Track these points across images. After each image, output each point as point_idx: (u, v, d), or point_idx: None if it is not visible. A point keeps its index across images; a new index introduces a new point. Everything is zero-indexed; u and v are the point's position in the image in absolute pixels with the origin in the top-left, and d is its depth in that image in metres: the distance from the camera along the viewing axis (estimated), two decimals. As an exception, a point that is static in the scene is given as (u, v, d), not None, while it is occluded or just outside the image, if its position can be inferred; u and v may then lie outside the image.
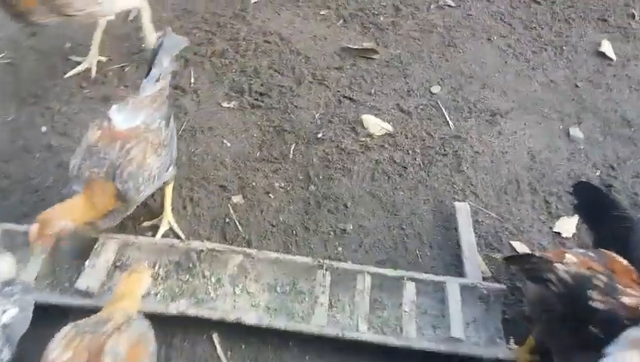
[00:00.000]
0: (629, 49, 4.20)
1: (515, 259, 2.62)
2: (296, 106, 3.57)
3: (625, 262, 2.25)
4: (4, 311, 2.03)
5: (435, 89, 3.79)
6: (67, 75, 3.60)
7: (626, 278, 2.17)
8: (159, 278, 2.63)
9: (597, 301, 2.09)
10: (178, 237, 2.82)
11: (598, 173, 3.38)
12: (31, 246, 2.34)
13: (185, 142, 3.28)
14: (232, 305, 2.54)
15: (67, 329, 1.93)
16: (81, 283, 2.50)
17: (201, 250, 2.67)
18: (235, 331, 2.49)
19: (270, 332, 2.48)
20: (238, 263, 2.64)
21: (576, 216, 3.07)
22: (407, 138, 3.47)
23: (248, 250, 2.70)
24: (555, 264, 2.23)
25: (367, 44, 4.02)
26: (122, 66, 3.72)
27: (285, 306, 2.58)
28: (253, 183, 3.14)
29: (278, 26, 4.09)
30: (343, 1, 4.38)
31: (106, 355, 1.84)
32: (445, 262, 2.91)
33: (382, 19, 4.27)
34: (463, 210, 3.05)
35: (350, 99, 3.66)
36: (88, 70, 3.66)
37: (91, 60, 3.65)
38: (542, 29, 4.36)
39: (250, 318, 2.47)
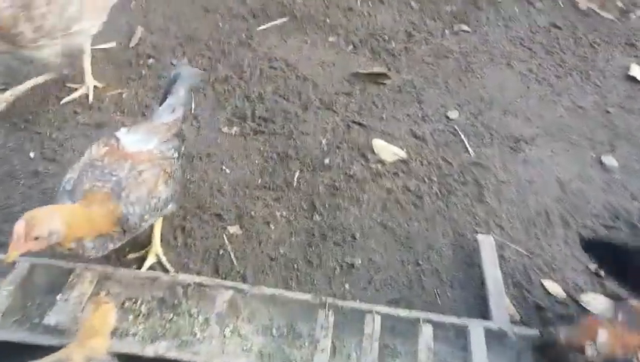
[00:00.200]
0: (662, 73, 3.91)
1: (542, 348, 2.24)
2: (301, 132, 3.31)
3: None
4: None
5: (453, 114, 3.52)
6: (63, 101, 3.41)
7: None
8: (140, 316, 2.32)
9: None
10: (166, 271, 2.52)
11: (637, 204, 3.02)
12: (9, 250, 1.98)
13: (181, 168, 3.01)
14: (219, 349, 2.20)
15: None
16: (51, 319, 2.20)
17: (188, 284, 2.36)
18: (222, 379, 2.14)
19: (263, 381, 2.14)
20: (228, 300, 2.31)
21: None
22: (422, 165, 3.17)
23: (241, 285, 2.38)
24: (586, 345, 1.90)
25: (378, 69, 3.78)
26: (120, 93, 3.52)
27: (281, 352, 2.23)
28: (253, 212, 2.85)
29: (285, 53, 3.89)
30: (353, 27, 4.19)
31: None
32: (468, 303, 2.55)
33: (393, 44, 4.05)
34: (487, 244, 2.71)
35: (360, 124, 3.39)
36: (85, 96, 3.47)
37: (88, 86, 3.47)
38: (564, 53, 4.10)
39: (241, 365, 2.14)
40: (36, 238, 1.99)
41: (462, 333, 2.31)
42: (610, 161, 3.29)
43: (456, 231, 2.85)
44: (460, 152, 3.27)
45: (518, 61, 4.01)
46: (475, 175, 3.13)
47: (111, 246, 2.27)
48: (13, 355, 2.06)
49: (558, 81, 3.87)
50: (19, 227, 1.97)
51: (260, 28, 4.11)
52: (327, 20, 4.24)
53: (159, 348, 2.16)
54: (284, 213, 2.86)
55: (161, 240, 2.62)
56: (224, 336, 2.27)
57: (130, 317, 2.30)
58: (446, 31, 4.25)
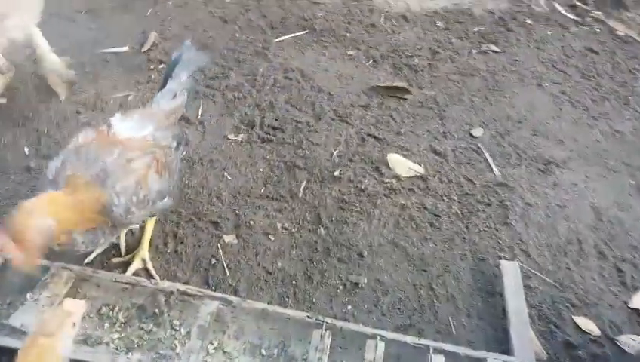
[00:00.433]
0: None
1: None
2: (312, 142, 3.09)
3: None
4: None
5: (477, 132, 3.26)
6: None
7: None
8: (117, 324, 2.07)
9: None
10: (151, 278, 2.28)
11: (683, 237, 2.69)
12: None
13: (180, 159, 2.79)
14: (199, 368, 1.93)
15: None
16: (16, 319, 1.96)
17: (171, 293, 2.11)
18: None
19: (245, 408, 1.85)
20: (213, 312, 2.05)
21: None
22: (441, 182, 2.90)
23: (229, 297, 2.12)
24: None
25: (398, 84, 3.57)
26: (126, 95, 3.37)
27: (269, 374, 1.95)
28: (252, 222, 2.61)
29: (301, 64, 3.72)
30: (374, 43, 4.00)
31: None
32: (487, 334, 2.24)
33: (416, 61, 3.84)
34: (511, 271, 2.40)
35: (375, 137, 3.15)
36: (94, 95, 3.33)
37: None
38: (602, 78, 3.82)
39: (221, 386, 1.86)
40: (32, 245, 1.76)
41: (479, 368, 1.99)
42: (651, 189, 2.97)
43: (477, 255, 2.55)
44: (484, 171, 2.99)
45: (550, 83, 3.75)
46: (499, 196, 2.85)
47: (101, 241, 2.05)
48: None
49: (593, 104, 3.58)
50: (4, 243, 1.74)
51: (278, 40, 3.96)
52: (348, 35, 4.07)
53: (131, 359, 1.90)
54: (286, 225, 2.61)
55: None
56: (207, 352, 1.99)
57: (106, 324, 2.06)
58: (473, 50, 4.03)
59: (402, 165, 2.96)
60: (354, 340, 2.02)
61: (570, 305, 2.38)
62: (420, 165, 2.99)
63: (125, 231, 2.45)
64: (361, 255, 2.49)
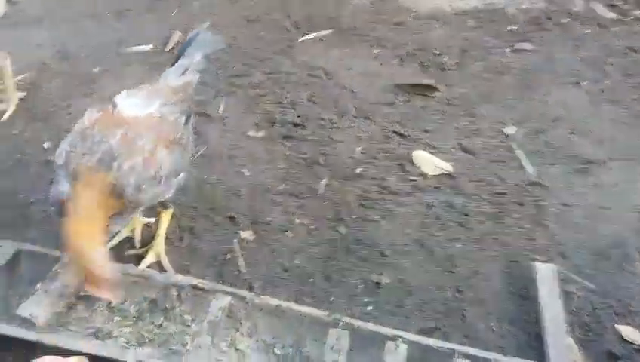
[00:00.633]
0: None
1: None
2: (334, 139, 2.98)
3: None
4: None
5: (510, 130, 3.09)
6: None
7: None
8: (128, 318, 1.98)
9: None
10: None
11: None
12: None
13: (198, 168, 2.72)
14: (209, 365, 1.82)
15: None
16: (25, 310, 1.89)
17: (183, 287, 2.01)
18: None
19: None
20: (225, 307, 1.94)
21: None
22: (470, 181, 2.74)
23: (242, 292, 2.01)
24: None
25: (426, 81, 3.43)
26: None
27: (282, 375, 1.83)
28: (270, 218, 2.50)
29: (325, 62, 3.62)
30: (401, 41, 3.88)
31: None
32: (519, 341, 2.07)
33: (445, 59, 3.70)
34: (547, 275, 2.23)
35: (400, 135, 3.02)
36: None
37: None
38: (644, 78, 3.60)
39: (231, 386, 1.74)
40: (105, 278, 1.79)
41: (509, 375, 1.82)
42: (701, 191, 2.74)
43: (509, 257, 2.37)
44: (517, 170, 2.82)
45: (588, 81, 3.54)
46: (533, 196, 2.67)
47: (126, 219, 2.04)
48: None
49: (635, 103, 3.37)
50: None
51: (302, 39, 3.88)
52: (375, 34, 3.96)
53: (140, 355, 1.80)
54: (305, 222, 2.49)
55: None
56: (219, 349, 1.88)
57: (117, 318, 1.98)
58: (506, 49, 3.86)
59: (429, 163, 2.82)
60: (373, 341, 1.88)
61: (612, 312, 2.19)
62: (449, 163, 2.84)
63: (141, 224, 2.39)
64: (382, 254, 2.35)
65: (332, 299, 2.17)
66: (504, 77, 3.57)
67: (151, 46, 3.72)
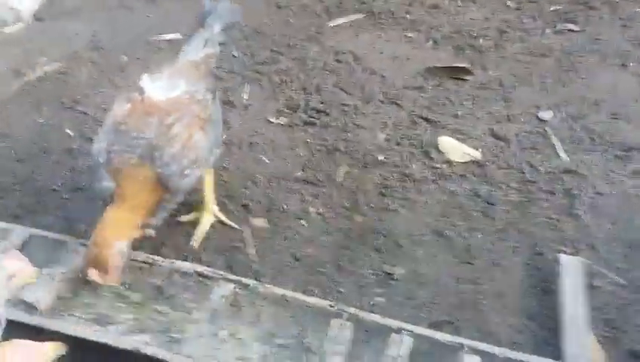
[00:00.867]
0: None
1: None
2: (357, 125, 2.89)
3: None
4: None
5: (546, 115, 2.90)
6: None
7: None
8: (132, 304, 1.99)
9: None
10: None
11: None
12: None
13: (219, 108, 2.68)
14: (209, 353, 1.80)
15: None
16: (30, 295, 1.93)
17: (188, 274, 2.00)
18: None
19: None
20: (228, 296, 1.92)
21: None
22: (499, 169, 2.60)
23: (246, 281, 1.97)
24: None
25: (459, 64, 3.28)
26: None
27: (283, 366, 1.78)
28: (285, 206, 2.46)
29: (354, 47, 3.52)
30: (436, 24, 3.72)
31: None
32: (536, 337, 1.94)
33: (481, 41, 3.52)
34: (571, 268, 2.08)
35: (427, 120, 2.90)
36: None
37: None
38: (700, 57, 3.31)
39: (229, 376, 1.72)
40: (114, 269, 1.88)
41: (522, 374, 1.71)
42: None
43: (533, 249, 2.23)
44: (551, 157, 2.65)
45: (636, 62, 3.29)
46: (566, 184, 2.50)
47: (170, 206, 2.08)
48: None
49: (688, 85, 3.10)
50: (92, 275, 1.89)
51: (332, 23, 3.79)
52: (408, 17, 3.82)
53: (135, 342, 1.81)
54: (321, 210, 2.44)
55: (177, 226, 2.31)
56: (220, 339, 1.86)
57: (121, 304, 1.99)
58: (547, 30, 3.64)
59: (456, 149, 2.69)
60: (377, 333, 1.81)
61: (643, 309, 2.02)
62: (478, 150, 2.70)
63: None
64: (398, 244, 2.27)
65: (341, 289, 2.11)
66: (544, 59, 3.36)
67: (179, 34, 3.73)
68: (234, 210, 2.44)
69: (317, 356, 1.79)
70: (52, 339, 1.78)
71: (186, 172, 1.97)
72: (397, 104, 3.03)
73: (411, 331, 1.79)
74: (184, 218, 2.35)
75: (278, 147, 2.80)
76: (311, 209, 2.44)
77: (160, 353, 1.76)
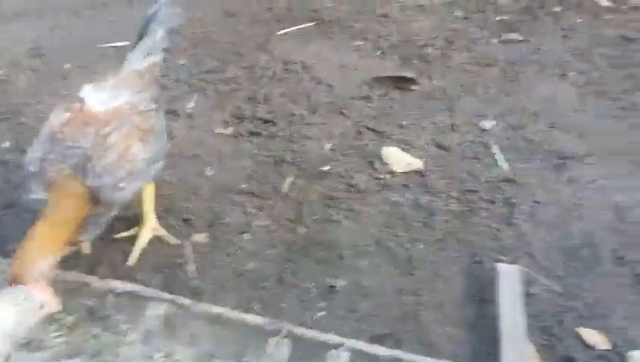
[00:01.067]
0: None
1: None
2: (304, 136, 2.89)
3: None
4: None
5: (487, 124, 2.96)
6: None
7: None
8: (65, 327, 1.92)
9: None
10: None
11: None
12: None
13: (163, 119, 2.63)
14: (142, 376, 1.75)
15: None
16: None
17: (120, 293, 1.95)
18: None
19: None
20: (161, 315, 1.87)
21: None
22: (441, 178, 2.63)
23: (180, 299, 1.94)
24: None
25: (405, 74, 3.31)
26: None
27: (220, 387, 1.75)
28: (228, 219, 2.43)
29: (303, 56, 3.52)
30: (384, 33, 3.76)
31: None
32: (475, 348, 1.97)
33: (429, 50, 3.57)
34: (508, 276, 2.12)
35: (373, 130, 2.92)
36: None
37: None
38: (636, 67, 3.43)
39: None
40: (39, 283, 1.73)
41: (460, 386, 1.73)
42: (686, 187, 2.59)
43: (473, 258, 2.27)
44: (491, 167, 2.70)
45: (575, 72, 3.39)
46: (505, 193, 2.55)
47: (105, 223, 1.99)
48: None
49: (624, 95, 3.21)
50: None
51: (281, 32, 3.78)
52: (357, 25, 3.85)
53: (64, 366, 1.75)
54: (265, 223, 2.41)
55: (112, 243, 2.25)
56: (155, 361, 1.82)
57: (52, 327, 1.91)
58: (493, 39, 3.72)
59: (399, 159, 2.72)
60: (315, 350, 1.80)
61: (577, 315, 2.07)
62: (420, 159, 2.73)
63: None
64: (341, 256, 2.26)
65: (284, 304, 2.09)
66: (489, 69, 3.43)
67: (127, 42, 3.65)
68: (174, 225, 2.39)
69: (256, 375, 1.76)
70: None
71: (120, 185, 1.90)
72: (343, 114, 3.04)
73: (349, 347, 1.78)
74: (122, 234, 2.28)
75: (222, 158, 2.77)
76: (255, 222, 2.41)
77: (91, 377, 1.70)
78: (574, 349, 1.94)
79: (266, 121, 2.99)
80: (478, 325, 2.03)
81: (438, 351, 1.93)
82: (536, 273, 2.19)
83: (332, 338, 1.84)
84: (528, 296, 2.11)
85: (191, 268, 2.19)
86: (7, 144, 2.85)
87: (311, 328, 1.90)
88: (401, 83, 3.27)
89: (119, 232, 2.29)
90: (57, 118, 1.98)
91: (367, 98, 3.16)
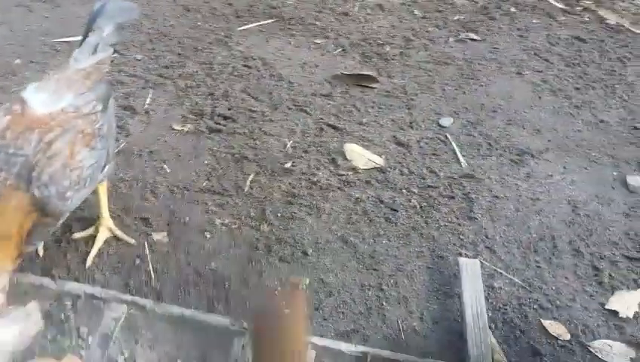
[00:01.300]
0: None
1: None
2: (265, 133, 2.85)
3: None
4: None
5: (446, 122, 3.00)
6: None
7: None
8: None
9: None
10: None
11: (669, 232, 2.42)
12: None
13: (111, 121, 2.53)
14: (100, 381, 1.69)
15: None
16: None
17: (78, 296, 1.87)
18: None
19: None
20: (120, 318, 1.81)
21: (638, 290, 2.14)
22: (401, 175, 2.65)
23: (140, 301, 1.87)
24: None
25: (365, 72, 3.32)
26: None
27: (183, 389, 1.70)
28: (187, 218, 2.36)
29: (263, 53, 3.49)
30: (345, 31, 3.77)
31: None
32: (441, 342, 1.98)
33: (388, 49, 3.60)
34: (470, 270, 2.15)
35: (335, 127, 2.91)
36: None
37: None
38: (588, 66, 3.56)
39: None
40: None
41: (425, 380, 1.73)
42: (636, 181, 2.69)
43: (435, 252, 2.29)
44: (450, 163, 2.74)
45: (530, 71, 3.49)
46: (465, 188, 2.59)
47: (51, 230, 1.87)
48: None
49: (577, 93, 3.32)
50: None
51: (241, 28, 3.73)
52: (318, 23, 3.84)
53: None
54: (226, 221, 2.36)
55: (69, 244, 2.16)
56: (114, 365, 1.75)
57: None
58: (450, 39, 3.78)
59: (360, 156, 2.72)
60: (280, 348, 1.76)
61: (538, 307, 2.12)
62: (381, 156, 2.74)
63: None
64: (305, 253, 2.24)
65: (247, 304, 2.05)
66: (446, 67, 3.49)
67: (80, 37, 3.52)
68: (132, 224, 2.31)
69: (220, 376, 1.72)
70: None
71: (67, 194, 1.79)
72: (305, 111, 3.02)
73: (314, 343, 1.76)
74: (77, 235, 2.19)
75: (181, 155, 2.70)
76: (216, 220, 2.36)
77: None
78: (538, 340, 1.98)
79: (225, 118, 2.93)
80: (443, 319, 2.05)
81: (403, 346, 1.93)
82: (496, 267, 2.23)
83: (297, 336, 1.80)
84: (490, 289, 2.14)
85: (150, 268, 2.12)
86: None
87: (275, 326, 1.86)
88: (362, 81, 3.28)
89: (75, 232, 2.20)
90: None
91: (328, 95, 3.15)
